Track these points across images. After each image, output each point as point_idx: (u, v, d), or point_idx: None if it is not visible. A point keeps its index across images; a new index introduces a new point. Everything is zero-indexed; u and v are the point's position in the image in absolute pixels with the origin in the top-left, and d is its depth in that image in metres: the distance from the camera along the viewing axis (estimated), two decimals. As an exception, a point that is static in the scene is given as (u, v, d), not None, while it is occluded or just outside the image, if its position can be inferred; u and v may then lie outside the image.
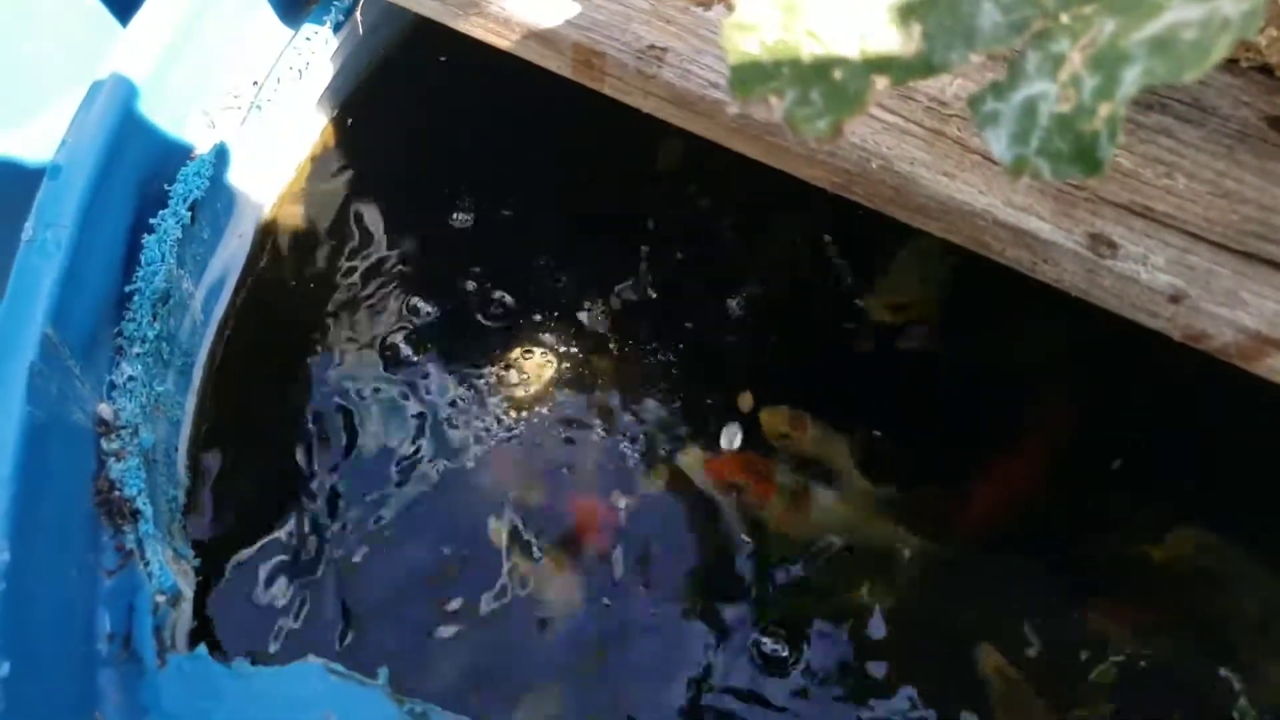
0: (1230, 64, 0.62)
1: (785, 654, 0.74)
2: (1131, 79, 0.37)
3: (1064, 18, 0.39)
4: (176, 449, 0.72)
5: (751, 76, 0.38)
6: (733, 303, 0.89)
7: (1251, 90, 0.61)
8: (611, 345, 0.87)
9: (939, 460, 0.83)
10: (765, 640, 0.74)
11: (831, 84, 0.39)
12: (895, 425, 0.84)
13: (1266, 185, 0.58)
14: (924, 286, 0.89)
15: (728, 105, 0.40)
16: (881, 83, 0.39)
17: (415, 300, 0.88)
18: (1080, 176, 0.38)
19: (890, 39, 0.39)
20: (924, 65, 0.40)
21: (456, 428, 0.81)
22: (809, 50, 0.38)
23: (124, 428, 0.65)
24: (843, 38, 0.39)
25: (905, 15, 0.39)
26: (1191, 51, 0.36)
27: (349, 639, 0.72)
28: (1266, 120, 0.60)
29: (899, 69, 0.39)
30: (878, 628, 0.76)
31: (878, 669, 0.74)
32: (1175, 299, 0.58)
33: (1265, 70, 0.62)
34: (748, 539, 0.78)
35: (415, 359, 0.86)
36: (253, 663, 0.60)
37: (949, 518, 0.81)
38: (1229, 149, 0.59)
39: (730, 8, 0.41)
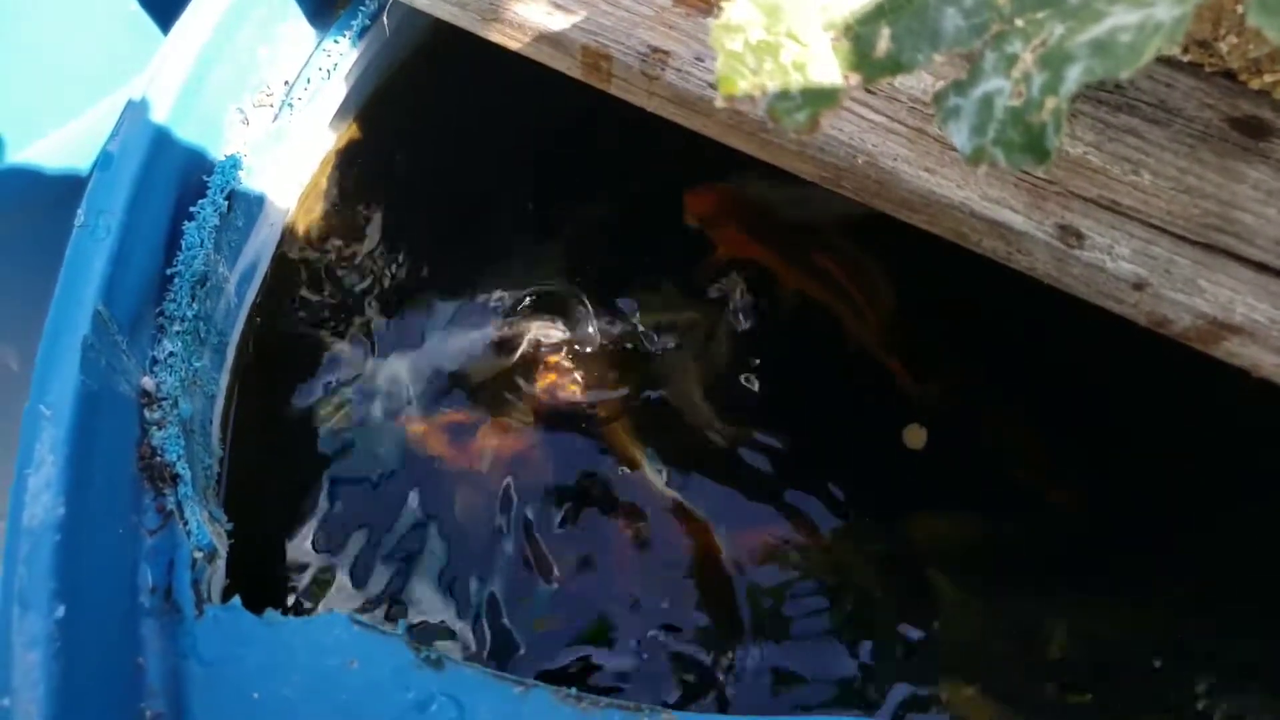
0: (1195, 68, 0.65)
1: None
2: (1074, 76, 0.42)
3: (1019, 22, 0.44)
4: (211, 421, 0.76)
5: (737, 74, 0.42)
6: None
7: (1214, 93, 0.64)
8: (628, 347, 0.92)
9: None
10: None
11: (809, 81, 0.43)
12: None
13: (1226, 182, 0.61)
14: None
15: (717, 99, 0.44)
16: (854, 80, 0.44)
17: (432, 291, 0.93)
18: (1031, 165, 0.43)
19: (862, 40, 0.44)
20: (893, 64, 0.44)
21: (472, 405, 0.86)
22: (789, 50, 0.43)
23: (164, 399, 0.69)
24: (819, 39, 0.43)
25: (876, 19, 0.44)
26: (1127, 52, 0.41)
27: (369, 595, 0.77)
28: (1228, 121, 0.63)
29: (870, 67, 0.44)
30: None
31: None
32: (1139, 286, 0.61)
33: (1228, 74, 0.64)
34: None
35: (430, 345, 0.90)
36: (282, 614, 0.63)
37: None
38: (1192, 148, 0.62)
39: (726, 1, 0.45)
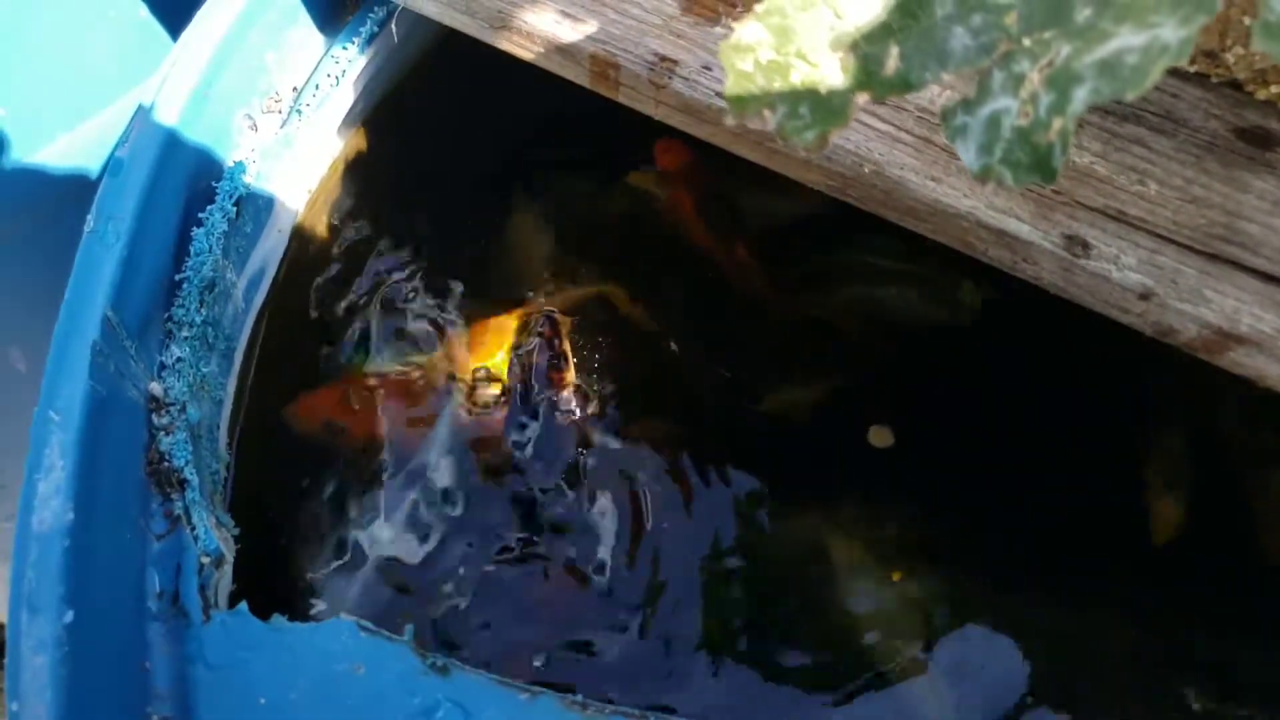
0: (1201, 79, 0.65)
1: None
2: (1081, 97, 0.42)
3: (1026, 42, 0.44)
4: (219, 426, 0.76)
5: (747, 93, 0.43)
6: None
7: (1221, 104, 0.64)
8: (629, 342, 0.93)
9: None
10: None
11: (818, 99, 0.44)
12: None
13: (1232, 192, 0.61)
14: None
15: (727, 115, 0.44)
16: (863, 98, 0.44)
17: (438, 297, 0.93)
18: (1037, 183, 0.43)
19: (870, 60, 0.44)
20: (901, 83, 0.44)
21: (474, 409, 0.87)
22: (799, 70, 0.43)
23: (172, 405, 0.69)
24: (829, 59, 0.43)
25: (884, 38, 0.44)
26: (1133, 74, 0.41)
27: (374, 601, 0.77)
28: (1234, 131, 0.63)
29: (879, 86, 0.44)
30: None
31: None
32: (1145, 296, 0.61)
33: (1234, 85, 0.64)
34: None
35: (438, 350, 0.91)
36: (289, 620, 0.64)
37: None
38: (1198, 158, 0.62)
39: (736, 21, 0.46)
